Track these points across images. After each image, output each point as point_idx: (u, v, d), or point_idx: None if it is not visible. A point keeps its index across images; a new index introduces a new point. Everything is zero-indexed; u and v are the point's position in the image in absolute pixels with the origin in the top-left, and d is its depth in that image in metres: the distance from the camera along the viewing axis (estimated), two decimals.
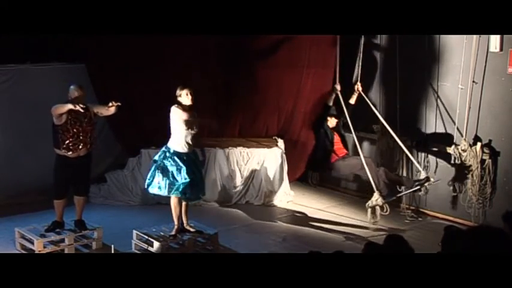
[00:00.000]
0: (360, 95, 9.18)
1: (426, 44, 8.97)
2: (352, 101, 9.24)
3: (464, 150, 8.51)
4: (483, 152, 8.46)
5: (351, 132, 9.00)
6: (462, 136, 8.60)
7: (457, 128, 8.70)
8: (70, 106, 7.22)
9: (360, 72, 9.32)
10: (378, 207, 8.58)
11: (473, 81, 8.53)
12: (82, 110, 7.26)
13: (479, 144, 8.48)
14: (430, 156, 9.14)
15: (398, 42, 9.03)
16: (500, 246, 4.38)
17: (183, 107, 7.42)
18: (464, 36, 8.49)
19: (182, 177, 7.42)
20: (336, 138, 9.29)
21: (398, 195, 9.01)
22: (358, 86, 9.18)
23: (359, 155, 8.88)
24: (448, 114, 8.88)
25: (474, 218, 8.54)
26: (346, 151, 9.33)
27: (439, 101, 9.02)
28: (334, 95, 9.20)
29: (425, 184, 8.64)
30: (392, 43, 9.06)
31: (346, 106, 9.00)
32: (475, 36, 8.35)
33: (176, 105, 7.42)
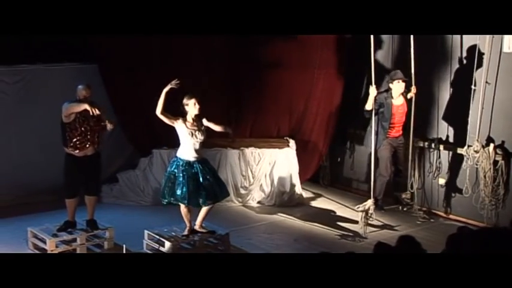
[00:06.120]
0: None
1: (439, 44, 8.93)
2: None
3: (477, 151, 8.46)
4: (496, 153, 8.41)
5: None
6: (475, 137, 8.56)
7: (470, 129, 8.65)
8: (86, 106, 7.24)
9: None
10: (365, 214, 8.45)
11: (486, 82, 8.48)
12: (98, 112, 7.28)
13: (492, 145, 8.43)
14: (442, 157, 9.10)
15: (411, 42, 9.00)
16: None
17: (188, 118, 7.39)
18: (477, 36, 8.45)
19: (195, 188, 7.39)
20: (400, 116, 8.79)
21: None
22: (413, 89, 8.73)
23: None
24: (461, 115, 8.83)
25: (487, 219, 8.49)
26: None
27: (451, 101, 8.97)
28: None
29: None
30: (405, 43, 9.01)
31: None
32: (488, 36, 8.30)
33: (181, 118, 7.37)
